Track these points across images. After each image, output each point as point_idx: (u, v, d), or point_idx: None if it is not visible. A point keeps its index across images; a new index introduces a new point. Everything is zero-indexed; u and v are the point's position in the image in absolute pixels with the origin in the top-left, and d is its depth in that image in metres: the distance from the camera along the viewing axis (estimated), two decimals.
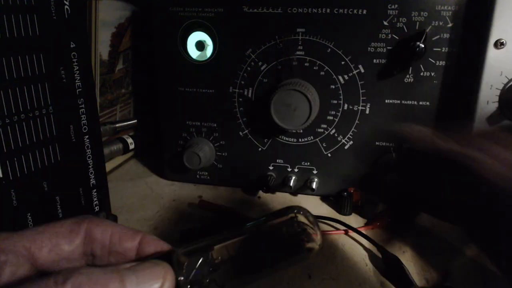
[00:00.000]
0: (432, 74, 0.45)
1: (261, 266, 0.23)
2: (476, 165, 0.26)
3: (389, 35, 0.45)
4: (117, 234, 0.22)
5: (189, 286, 0.21)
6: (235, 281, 0.22)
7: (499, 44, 0.40)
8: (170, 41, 0.50)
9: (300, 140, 0.51)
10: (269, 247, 0.23)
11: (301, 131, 0.50)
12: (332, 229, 0.46)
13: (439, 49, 0.44)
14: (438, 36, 0.43)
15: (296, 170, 0.52)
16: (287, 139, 0.51)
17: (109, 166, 0.59)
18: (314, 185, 0.51)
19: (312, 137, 0.51)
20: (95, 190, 0.42)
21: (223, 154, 0.54)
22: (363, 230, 0.44)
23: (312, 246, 0.23)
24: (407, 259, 0.41)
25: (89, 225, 0.21)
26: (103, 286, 0.18)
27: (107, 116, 0.58)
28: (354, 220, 0.48)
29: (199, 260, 0.21)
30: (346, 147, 0.50)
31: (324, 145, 0.51)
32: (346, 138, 0.50)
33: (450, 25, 0.43)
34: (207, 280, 0.21)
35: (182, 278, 0.20)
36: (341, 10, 0.45)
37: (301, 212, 0.24)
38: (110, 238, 0.21)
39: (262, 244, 0.23)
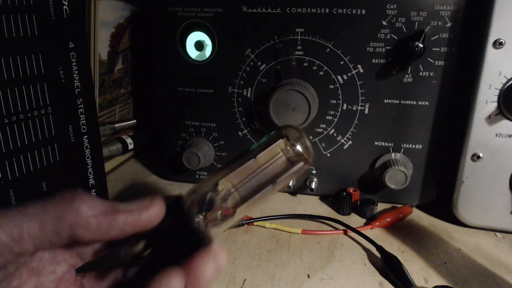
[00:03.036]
0: (431, 74, 0.45)
1: (262, 187, 0.25)
2: None
3: (388, 35, 0.45)
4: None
5: (205, 220, 0.24)
6: (243, 205, 0.25)
7: (498, 44, 0.40)
8: (169, 41, 0.50)
9: None
10: (264, 171, 0.25)
11: None
12: (331, 229, 0.46)
13: (438, 49, 0.44)
14: (437, 36, 0.43)
15: None
16: None
17: (108, 166, 0.59)
18: (313, 185, 0.51)
19: (311, 137, 0.51)
20: (94, 190, 0.42)
21: (222, 154, 0.54)
22: (362, 230, 0.44)
23: (298, 163, 0.25)
24: (406, 259, 0.41)
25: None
26: (100, 204, 0.22)
27: (106, 116, 0.58)
28: (353, 220, 0.48)
29: (208, 196, 0.24)
30: (345, 147, 0.50)
31: (323, 145, 0.51)
32: (345, 138, 0.50)
33: (449, 25, 0.43)
34: (220, 212, 0.24)
35: (196, 216, 0.23)
36: (340, 10, 0.45)
37: (286, 138, 0.26)
38: None
39: (258, 170, 0.25)
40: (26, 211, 0.21)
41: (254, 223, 0.46)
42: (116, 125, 0.59)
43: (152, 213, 0.23)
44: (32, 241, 0.21)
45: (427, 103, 0.46)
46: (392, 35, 0.45)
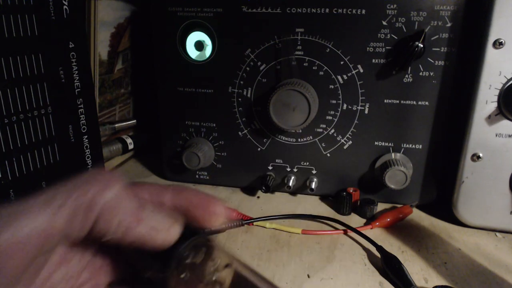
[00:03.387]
0: (431, 74, 0.45)
1: None
2: None
3: (388, 35, 0.45)
4: (200, 203, 0.24)
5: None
6: None
7: (498, 44, 0.40)
8: (169, 41, 0.50)
9: (299, 140, 0.51)
10: None
11: (300, 131, 0.50)
12: (331, 229, 0.46)
13: (438, 49, 0.44)
14: (437, 36, 0.43)
15: (295, 170, 0.53)
16: (286, 139, 0.51)
17: (108, 166, 0.59)
18: (313, 185, 0.51)
19: (311, 137, 0.51)
20: None
21: (222, 154, 0.54)
22: (362, 230, 0.44)
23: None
24: (406, 259, 0.41)
25: (173, 192, 0.23)
26: (128, 201, 0.19)
27: (106, 116, 0.58)
28: (353, 220, 0.48)
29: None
30: (345, 147, 0.50)
31: (323, 145, 0.51)
32: (345, 138, 0.50)
33: (449, 25, 0.43)
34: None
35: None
36: (340, 10, 0.45)
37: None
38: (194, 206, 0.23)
39: None
40: (51, 204, 0.17)
41: (254, 223, 0.46)
42: (116, 125, 0.59)
43: (167, 239, 0.20)
44: (58, 239, 0.18)
45: (427, 103, 0.46)
46: (392, 35, 0.45)
